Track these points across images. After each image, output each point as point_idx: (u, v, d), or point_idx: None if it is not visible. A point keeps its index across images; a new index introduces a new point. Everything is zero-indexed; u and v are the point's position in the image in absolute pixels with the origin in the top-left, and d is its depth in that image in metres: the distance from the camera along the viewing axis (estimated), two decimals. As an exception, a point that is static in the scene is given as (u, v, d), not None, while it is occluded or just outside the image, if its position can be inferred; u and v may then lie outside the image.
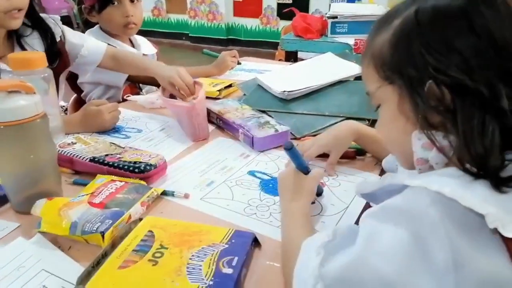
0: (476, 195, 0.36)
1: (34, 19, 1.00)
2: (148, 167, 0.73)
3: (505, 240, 0.35)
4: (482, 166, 0.38)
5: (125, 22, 1.32)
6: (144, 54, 1.40)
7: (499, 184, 0.37)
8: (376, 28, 0.47)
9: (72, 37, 1.11)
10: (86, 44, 1.12)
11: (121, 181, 0.70)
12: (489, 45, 0.39)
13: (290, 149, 0.63)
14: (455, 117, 0.39)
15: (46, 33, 1.01)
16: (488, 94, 0.38)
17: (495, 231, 0.35)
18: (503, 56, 0.39)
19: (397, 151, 0.51)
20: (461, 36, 0.39)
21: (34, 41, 1.00)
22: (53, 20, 1.05)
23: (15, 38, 0.98)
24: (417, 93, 0.41)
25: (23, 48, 0.98)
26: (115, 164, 0.74)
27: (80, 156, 0.76)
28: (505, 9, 0.41)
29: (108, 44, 1.21)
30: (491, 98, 0.38)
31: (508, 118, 0.38)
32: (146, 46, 1.46)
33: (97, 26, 1.37)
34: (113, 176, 0.72)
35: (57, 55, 1.04)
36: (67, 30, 1.10)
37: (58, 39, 1.05)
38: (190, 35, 5.25)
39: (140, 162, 0.74)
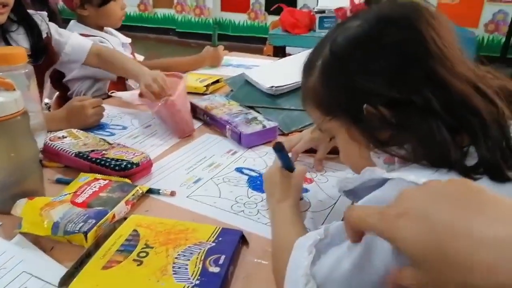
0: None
1: (21, 15, 0.98)
2: (129, 166, 0.71)
3: None
4: (446, 162, 0.40)
5: (122, 15, 1.35)
6: (123, 43, 1.42)
7: (467, 173, 0.39)
8: (304, 73, 0.52)
9: (57, 34, 1.09)
10: (70, 42, 1.10)
11: (104, 180, 0.68)
12: (401, 57, 0.42)
13: (279, 151, 0.62)
14: (402, 129, 0.42)
15: (32, 29, 1.00)
16: (420, 100, 0.40)
17: None
18: (416, 63, 0.42)
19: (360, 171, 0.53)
20: (375, 56, 0.43)
21: (19, 36, 0.99)
22: (40, 16, 1.04)
23: (0, 33, 0.95)
24: (359, 119, 0.44)
25: (7, 44, 0.96)
26: (97, 161, 0.72)
27: (67, 151, 0.75)
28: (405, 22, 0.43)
29: (102, 38, 1.21)
30: (424, 104, 0.40)
31: (444, 118, 0.40)
32: (121, 36, 1.46)
33: (73, 21, 1.35)
34: (97, 175, 0.70)
35: (43, 52, 1.02)
36: (52, 26, 1.08)
37: (44, 36, 1.03)
38: (177, 30, 5.19)
39: (122, 160, 0.72)
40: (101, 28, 1.37)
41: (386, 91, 0.42)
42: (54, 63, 1.10)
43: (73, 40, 1.11)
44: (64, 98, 1.35)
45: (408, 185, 0.38)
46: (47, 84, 1.15)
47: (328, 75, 0.47)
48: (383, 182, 0.41)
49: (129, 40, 1.49)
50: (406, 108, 0.41)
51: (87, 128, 0.94)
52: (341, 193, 0.55)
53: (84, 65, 1.14)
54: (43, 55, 1.03)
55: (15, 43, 0.97)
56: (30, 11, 1.01)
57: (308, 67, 0.51)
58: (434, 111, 0.40)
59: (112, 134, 0.94)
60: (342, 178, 0.54)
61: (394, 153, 0.43)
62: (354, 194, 0.54)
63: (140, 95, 1.04)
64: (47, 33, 1.04)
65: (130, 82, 1.45)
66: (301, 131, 0.89)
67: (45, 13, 1.06)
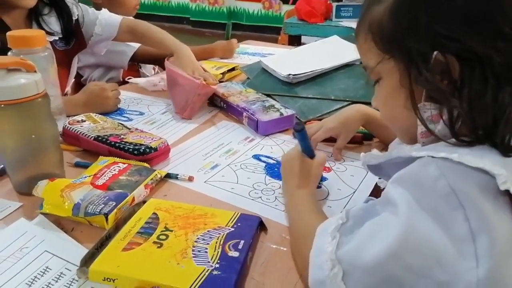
0: (485, 159, 0.36)
1: None
2: (148, 150, 0.72)
3: None
4: (490, 135, 0.38)
5: (136, 4, 1.36)
6: None
7: (507, 151, 0.37)
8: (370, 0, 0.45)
9: (88, 14, 1.10)
10: (99, 20, 1.10)
11: (124, 163, 0.68)
12: (498, 11, 0.37)
13: (300, 131, 0.61)
14: (462, 88, 0.38)
15: (63, 12, 1.01)
16: (500, 61, 0.37)
17: (505, 193, 0.35)
18: (495, 20, 0.37)
19: (397, 126, 0.50)
20: (470, 3, 0.38)
21: (51, 19, 1.00)
22: (72, 0, 1.05)
23: (33, 17, 0.98)
24: (422, 65, 0.39)
25: (40, 27, 0.98)
26: (116, 145, 0.73)
27: (86, 134, 0.76)
28: None
29: None
30: (503, 65, 0.37)
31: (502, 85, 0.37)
32: None
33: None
34: (116, 158, 0.70)
35: (73, 35, 1.04)
36: (84, 8, 1.09)
37: (75, 18, 1.04)
38: (191, 19, 5.18)
39: (141, 145, 0.72)
40: None
41: (465, 38, 0.37)
42: (83, 48, 1.11)
43: (102, 17, 1.11)
44: (79, 84, 1.36)
45: (437, 162, 0.37)
46: (74, 69, 1.15)
47: (405, 5, 0.41)
48: (410, 160, 0.40)
49: None
50: (479, 66, 0.37)
51: (105, 114, 0.94)
52: (365, 167, 0.55)
53: (115, 40, 1.14)
54: (74, 38, 1.05)
55: (47, 26, 0.98)
56: None
57: None
58: (506, 74, 0.37)
59: (130, 120, 0.94)
60: (367, 153, 0.53)
61: (444, 113, 0.39)
62: (378, 169, 0.53)
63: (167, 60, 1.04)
64: (77, 15, 1.06)
65: (144, 70, 1.45)
66: (318, 120, 0.88)
67: None
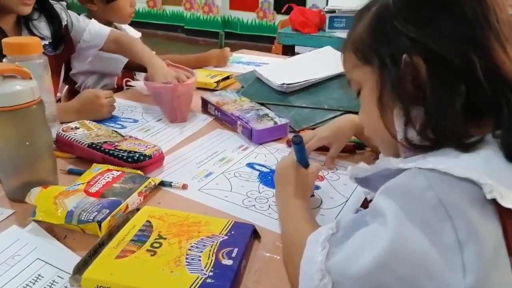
0: (472, 169, 0.36)
1: (42, 4, 1.01)
2: (142, 158, 0.72)
3: (500, 212, 0.36)
4: (443, 132, 0.40)
5: (131, 12, 1.36)
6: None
7: (462, 147, 0.40)
8: (357, 17, 0.50)
9: (78, 21, 1.11)
10: (88, 28, 1.12)
11: (117, 171, 0.68)
12: (462, 19, 0.41)
13: (298, 144, 0.62)
14: (425, 90, 0.41)
15: (53, 18, 1.02)
16: (461, 64, 0.40)
17: (492, 202, 0.35)
18: (476, 30, 0.41)
19: (380, 139, 0.52)
20: (435, 13, 0.42)
21: (41, 24, 1.01)
22: (60, 6, 1.07)
23: (23, 22, 0.98)
24: (394, 69, 0.43)
25: (31, 32, 0.99)
26: (110, 152, 0.73)
27: (80, 141, 0.76)
28: None
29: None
30: (463, 69, 0.40)
31: (482, 88, 0.39)
32: (130, 31, 1.47)
33: (83, 15, 1.36)
34: (110, 166, 0.70)
35: (63, 40, 1.05)
36: (73, 15, 1.11)
37: (64, 24, 1.06)
38: (185, 27, 5.20)
39: (135, 152, 0.72)
40: (110, 24, 1.37)
41: (431, 44, 0.41)
42: (72, 53, 1.12)
43: (92, 26, 1.13)
44: (73, 91, 1.36)
45: (425, 173, 0.38)
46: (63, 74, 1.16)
47: (380, 20, 0.46)
48: (397, 172, 0.41)
49: (139, 34, 1.49)
50: (441, 68, 0.41)
51: (99, 121, 0.94)
52: (353, 180, 0.55)
53: (101, 51, 1.16)
54: (63, 43, 1.06)
55: (38, 32, 0.99)
56: (51, 1, 1.04)
57: (361, 12, 0.49)
58: (469, 80, 0.40)
59: (124, 127, 0.94)
60: (355, 166, 0.54)
61: (411, 113, 0.42)
62: (366, 182, 0.54)
63: (146, 78, 1.07)
64: (66, 21, 1.07)
65: (139, 77, 1.45)
66: (312, 129, 0.89)
67: (64, 3, 1.08)
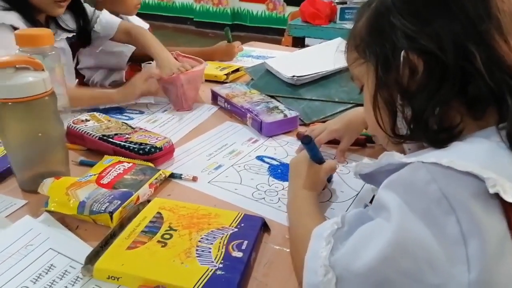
0: (474, 163, 0.36)
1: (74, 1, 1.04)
2: (153, 150, 0.72)
3: (505, 206, 0.35)
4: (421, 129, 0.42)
5: (137, 3, 1.36)
6: None
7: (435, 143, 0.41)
8: (358, 14, 0.50)
9: (90, 12, 1.13)
10: (99, 20, 1.13)
11: (128, 163, 0.69)
12: (461, 14, 0.40)
13: (308, 143, 0.62)
14: (419, 87, 0.42)
15: (79, 13, 1.07)
16: (458, 59, 0.40)
17: (495, 196, 0.35)
18: (476, 23, 0.40)
19: (381, 134, 0.51)
20: (433, 9, 0.41)
21: (66, 17, 1.05)
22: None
23: (51, 17, 1.02)
24: (391, 65, 0.43)
25: (57, 24, 1.02)
26: (121, 144, 0.73)
27: (90, 134, 0.76)
28: None
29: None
30: (461, 63, 0.40)
31: (483, 80, 0.39)
32: (137, 22, 1.47)
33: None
34: (121, 157, 0.71)
35: (90, 36, 1.11)
36: (86, 6, 1.13)
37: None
38: (195, 19, 5.19)
39: (146, 144, 0.73)
40: (116, 15, 1.37)
41: (428, 42, 0.41)
42: (88, 45, 1.15)
43: (103, 17, 1.14)
44: (83, 85, 1.36)
45: (427, 167, 0.37)
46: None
47: (378, 16, 0.46)
48: (400, 166, 0.41)
49: (147, 25, 1.49)
50: (439, 63, 0.40)
51: (105, 112, 0.95)
52: (357, 177, 0.55)
53: (112, 40, 1.18)
54: (89, 39, 1.11)
55: (64, 24, 1.03)
56: None
57: (362, 9, 0.50)
58: (470, 71, 0.39)
59: (131, 119, 0.95)
60: (358, 162, 0.54)
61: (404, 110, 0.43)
62: (370, 178, 0.53)
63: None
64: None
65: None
66: (322, 122, 0.88)
67: None
